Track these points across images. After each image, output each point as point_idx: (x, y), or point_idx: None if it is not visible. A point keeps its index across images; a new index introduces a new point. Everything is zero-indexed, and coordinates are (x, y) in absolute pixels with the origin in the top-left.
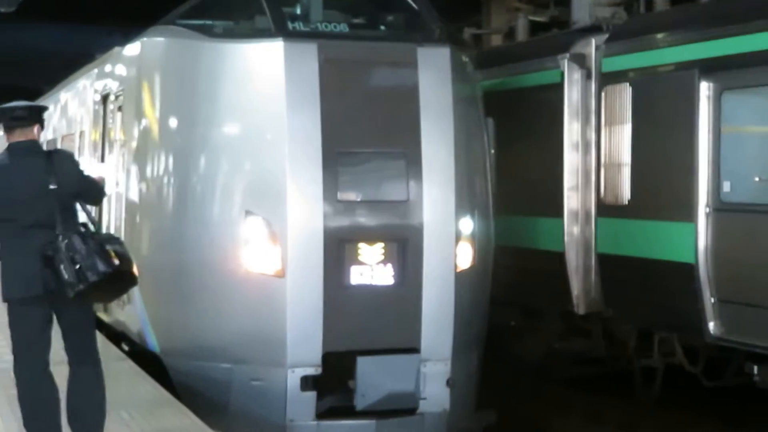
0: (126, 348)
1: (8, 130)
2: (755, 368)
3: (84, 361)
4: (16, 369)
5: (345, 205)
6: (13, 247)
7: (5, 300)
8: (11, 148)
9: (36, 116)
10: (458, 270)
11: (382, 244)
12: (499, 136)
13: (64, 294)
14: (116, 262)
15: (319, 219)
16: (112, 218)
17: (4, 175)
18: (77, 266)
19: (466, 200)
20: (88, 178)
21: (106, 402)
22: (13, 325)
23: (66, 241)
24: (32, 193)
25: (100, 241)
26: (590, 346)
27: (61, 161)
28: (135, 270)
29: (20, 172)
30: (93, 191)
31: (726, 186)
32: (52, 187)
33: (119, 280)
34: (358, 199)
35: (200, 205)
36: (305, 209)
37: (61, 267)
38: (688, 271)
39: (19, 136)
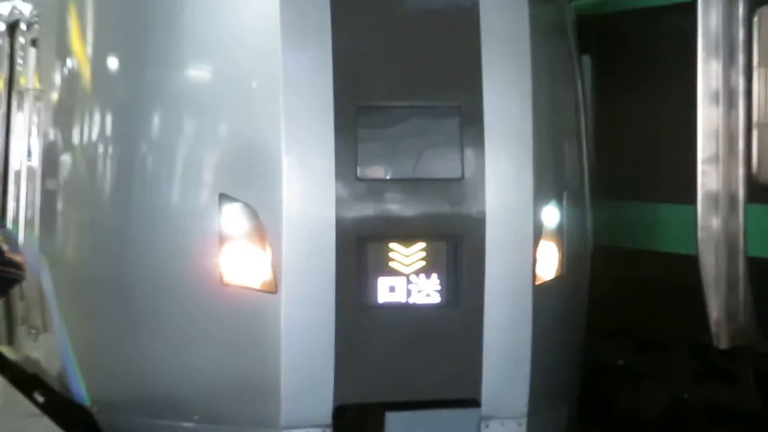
0: (40, 399)
1: None
2: None
3: None
4: None
5: (368, 185)
6: None
7: None
8: None
9: None
10: (538, 282)
11: (423, 244)
12: (599, 82)
13: None
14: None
15: (329, 207)
16: (21, 206)
17: None
18: None
19: (550, 178)
20: None
21: None
22: None
23: None
24: None
25: None
26: (737, 395)
27: None
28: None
29: None
30: None
31: None
32: None
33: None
34: (388, 177)
35: (154, 187)
36: (309, 192)
37: None
38: None
39: None
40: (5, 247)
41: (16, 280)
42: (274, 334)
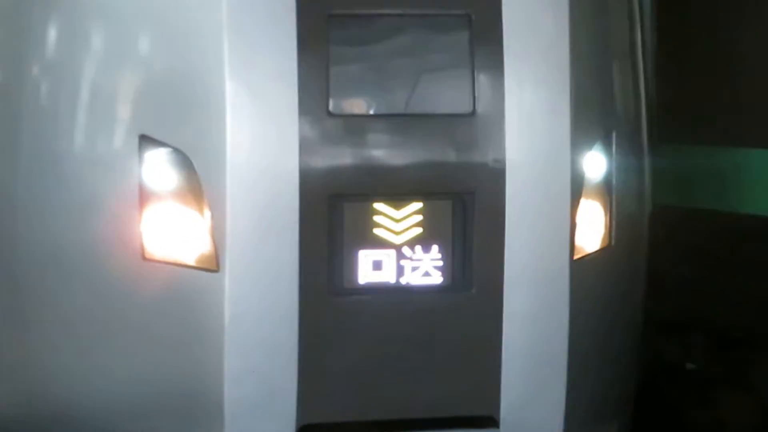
0: None
1: None
2: None
3: None
4: None
5: (344, 123)
6: None
7: None
8: None
9: None
10: (578, 256)
11: (419, 205)
12: None
13: None
14: None
15: (291, 153)
16: None
17: None
18: None
19: (593, 114)
20: None
21: None
22: None
23: None
24: None
25: None
26: None
27: None
28: None
29: None
30: None
31: None
32: None
33: None
34: (371, 112)
35: (49, 127)
36: (263, 133)
37: None
38: None
39: None
40: None
41: None
42: (215, 326)
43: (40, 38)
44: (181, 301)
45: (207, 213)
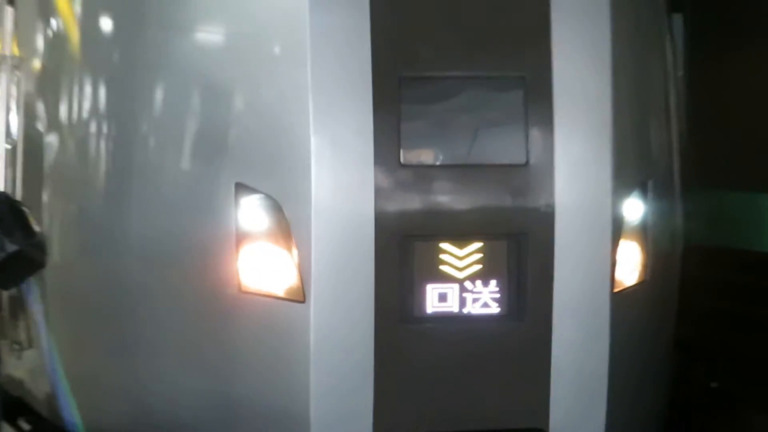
0: (26, 427)
1: None
2: None
3: None
4: None
5: (414, 172)
6: None
7: None
8: None
9: None
10: (618, 289)
11: (479, 244)
12: (694, 46)
13: None
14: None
15: (367, 199)
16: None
17: None
18: None
19: (633, 164)
20: None
21: None
22: None
23: None
24: None
25: (10, 203)
26: None
27: None
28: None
29: None
30: None
31: None
32: None
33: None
34: (438, 163)
35: (156, 175)
36: (343, 181)
37: None
38: None
39: None
40: (37, 228)
41: (41, 265)
42: (302, 350)
43: (147, 100)
44: (273, 328)
45: (294, 251)
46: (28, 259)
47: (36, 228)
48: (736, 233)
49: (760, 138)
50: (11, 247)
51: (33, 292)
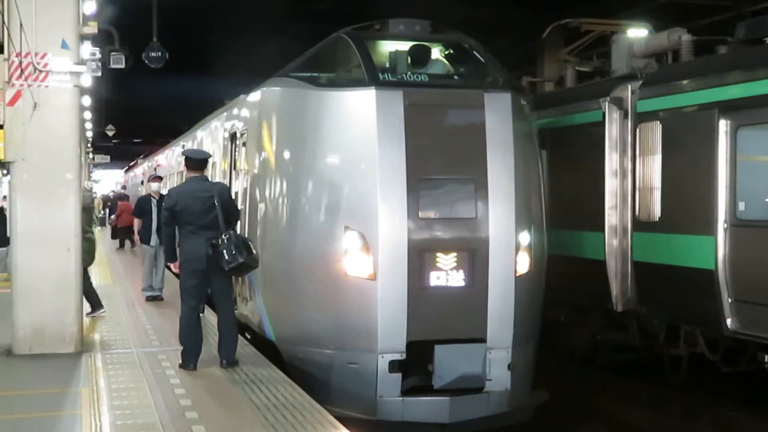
0: (248, 337)
1: (191, 168)
2: (766, 357)
3: (225, 299)
4: (182, 309)
5: (425, 221)
6: (190, 239)
7: (182, 269)
8: (191, 179)
9: (206, 162)
10: (517, 274)
11: (455, 254)
12: (551, 164)
13: (221, 267)
14: (254, 251)
15: (404, 233)
16: (238, 231)
17: (186, 195)
18: (233, 251)
19: (524, 217)
20: (232, 201)
21: (237, 330)
22: (184, 284)
23: (227, 236)
24: (203, 206)
25: (243, 239)
26: (627, 337)
27: (220, 188)
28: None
29: (196, 193)
30: (234, 210)
31: (741, 206)
32: (215, 203)
33: (251, 265)
34: (436, 217)
35: (308, 220)
36: (393, 224)
37: (224, 251)
38: (709, 276)
39: (197, 172)
40: (255, 250)
41: (254, 268)
42: (374, 302)
43: (305, 187)
44: (361, 292)
45: (371, 256)
46: (249, 265)
47: (253, 250)
48: (567, 248)
49: (579, 205)
50: (240, 259)
51: (253, 275)
